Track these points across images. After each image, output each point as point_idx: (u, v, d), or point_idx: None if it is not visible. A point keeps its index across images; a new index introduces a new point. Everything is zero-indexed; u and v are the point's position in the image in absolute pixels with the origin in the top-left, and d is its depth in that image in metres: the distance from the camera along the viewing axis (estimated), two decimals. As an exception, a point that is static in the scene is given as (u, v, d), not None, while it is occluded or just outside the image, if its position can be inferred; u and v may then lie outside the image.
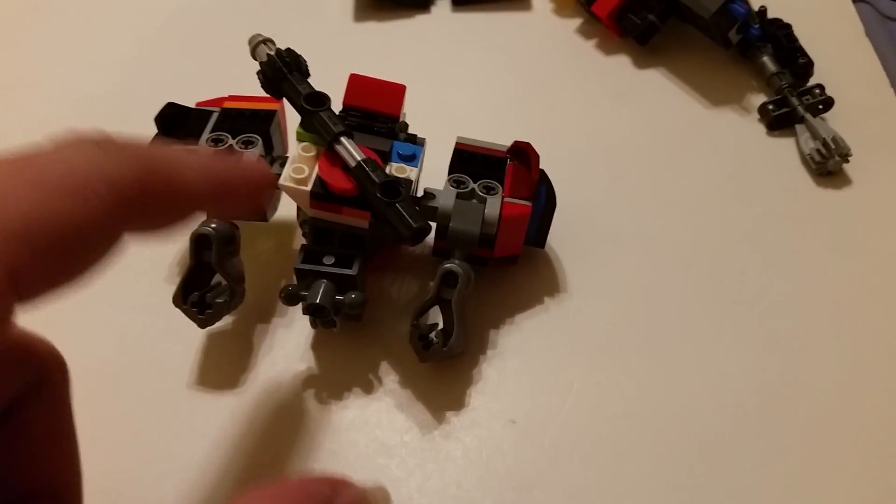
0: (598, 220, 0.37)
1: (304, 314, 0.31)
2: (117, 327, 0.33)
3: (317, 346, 0.33)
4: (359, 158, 0.29)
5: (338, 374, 0.32)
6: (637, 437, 0.30)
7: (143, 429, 0.31)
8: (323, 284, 0.30)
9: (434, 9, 0.48)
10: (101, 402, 0.31)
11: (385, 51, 0.46)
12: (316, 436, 0.30)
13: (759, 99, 0.42)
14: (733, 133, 0.41)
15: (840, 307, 0.34)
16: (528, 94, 0.43)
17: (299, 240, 0.36)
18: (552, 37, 0.46)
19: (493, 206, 0.31)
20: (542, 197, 0.33)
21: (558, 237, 0.35)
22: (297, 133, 0.31)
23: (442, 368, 0.32)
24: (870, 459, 0.30)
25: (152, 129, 0.35)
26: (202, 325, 0.31)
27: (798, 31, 0.43)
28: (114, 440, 0.30)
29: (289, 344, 0.33)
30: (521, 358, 0.32)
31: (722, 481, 0.29)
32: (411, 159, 0.31)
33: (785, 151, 0.40)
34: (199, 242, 0.30)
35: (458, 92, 0.43)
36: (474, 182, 0.32)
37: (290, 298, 0.30)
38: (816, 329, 0.33)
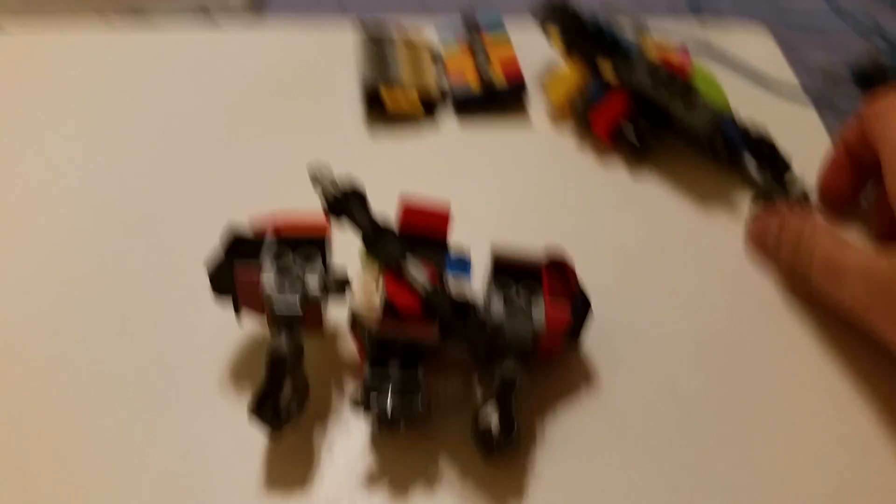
0: (617, 319, 0.40)
1: (371, 420, 0.33)
2: (175, 440, 0.35)
3: (376, 446, 0.35)
4: (426, 281, 0.32)
5: (399, 470, 0.34)
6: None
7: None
8: (391, 391, 0.32)
9: (439, 118, 0.52)
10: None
11: (398, 163, 0.49)
12: (386, 532, 0.32)
13: (745, 200, 0.47)
14: (726, 232, 0.46)
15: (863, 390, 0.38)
16: (533, 205, 0.47)
17: (344, 340, 0.38)
18: (552, 148, 0.51)
19: (537, 310, 0.34)
20: (578, 299, 0.36)
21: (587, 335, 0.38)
22: (363, 259, 0.34)
23: (497, 461, 0.34)
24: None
25: (177, 239, 0.37)
26: (277, 428, 0.33)
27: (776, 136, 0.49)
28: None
29: (348, 445, 0.35)
30: (568, 449, 0.35)
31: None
32: (465, 268, 0.34)
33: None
34: (276, 361, 0.32)
35: (468, 201, 0.46)
36: (515, 285, 0.35)
37: (361, 405, 0.32)
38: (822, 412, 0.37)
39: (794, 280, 0.42)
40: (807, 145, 0.51)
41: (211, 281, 0.35)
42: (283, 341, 0.32)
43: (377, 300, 0.33)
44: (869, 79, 0.55)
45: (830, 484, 0.34)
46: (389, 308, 0.32)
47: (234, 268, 0.34)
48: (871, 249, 0.37)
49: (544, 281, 0.36)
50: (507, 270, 0.36)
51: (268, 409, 0.32)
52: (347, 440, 0.35)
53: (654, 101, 0.47)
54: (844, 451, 0.36)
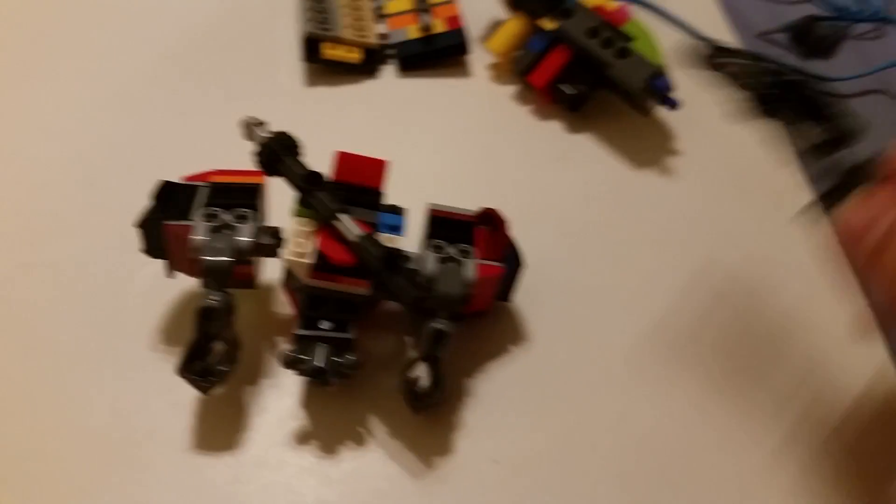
0: (550, 273, 0.41)
1: (302, 376, 0.33)
2: (108, 398, 0.35)
3: (307, 403, 0.35)
4: (358, 234, 0.32)
5: (330, 428, 0.34)
6: (598, 466, 0.34)
7: (144, 496, 0.32)
8: (323, 348, 0.32)
9: (380, 74, 0.52)
10: (99, 472, 0.32)
11: (337, 115, 0.49)
12: (316, 489, 0.33)
13: (672, 157, 0.48)
14: (658, 187, 0.46)
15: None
16: (471, 157, 0.47)
17: (277, 301, 0.38)
18: (492, 102, 0.51)
19: (469, 269, 0.35)
20: (510, 257, 0.36)
21: (518, 290, 0.39)
22: (296, 210, 0.34)
23: (427, 417, 0.35)
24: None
25: (114, 196, 0.37)
26: (206, 391, 0.33)
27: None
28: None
29: (280, 403, 0.35)
30: (496, 403, 0.36)
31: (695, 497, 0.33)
32: (397, 229, 0.34)
33: (703, 204, 0.46)
34: (206, 315, 0.32)
35: (407, 154, 0.46)
36: (448, 245, 0.35)
37: (291, 363, 0.32)
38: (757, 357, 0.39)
39: None
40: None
41: (141, 236, 0.35)
42: (212, 294, 0.32)
43: (309, 253, 0.33)
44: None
45: (776, 433, 0.36)
46: (321, 260, 0.32)
47: (164, 221, 0.34)
48: None
49: (477, 238, 0.36)
50: (442, 228, 0.36)
51: (196, 368, 0.32)
52: (279, 398, 0.35)
53: (592, 55, 0.46)
54: (772, 396, 0.37)
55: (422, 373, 0.34)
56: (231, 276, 0.33)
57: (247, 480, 0.32)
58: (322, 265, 0.32)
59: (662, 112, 0.49)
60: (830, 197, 0.33)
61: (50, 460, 0.33)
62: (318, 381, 0.33)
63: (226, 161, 0.36)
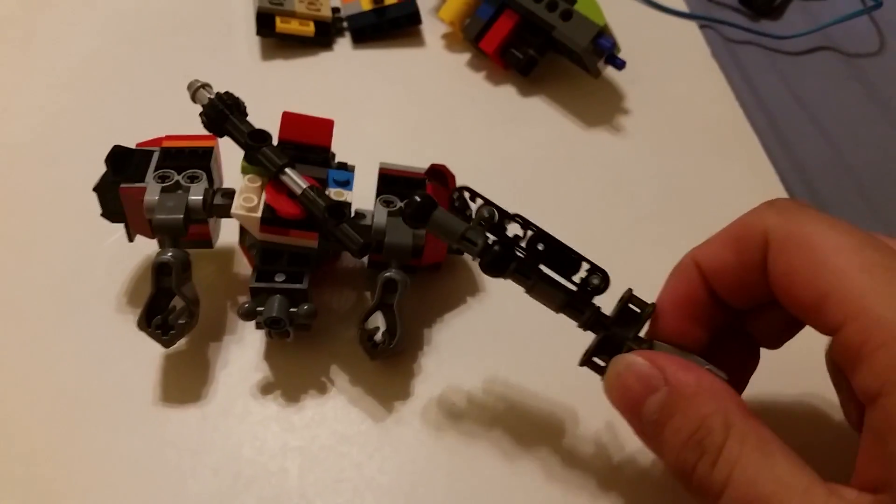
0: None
1: (258, 328, 0.34)
2: (75, 356, 0.36)
3: (269, 357, 0.36)
4: (304, 186, 0.33)
5: (292, 379, 0.36)
6: (549, 407, 0.36)
7: (112, 448, 0.33)
8: (277, 299, 0.34)
9: (336, 47, 0.53)
10: (68, 429, 0.34)
11: (293, 87, 0.50)
12: (280, 435, 0.34)
13: (622, 115, 0.49)
14: (606, 147, 0.48)
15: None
16: (427, 122, 0.49)
17: (239, 263, 0.40)
18: (446, 70, 0.52)
19: None
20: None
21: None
22: (243, 167, 0.35)
23: (386, 366, 0.36)
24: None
25: (78, 172, 0.38)
26: (166, 345, 0.34)
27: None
28: (83, 464, 0.33)
29: (243, 358, 0.36)
30: (453, 350, 0.37)
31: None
32: (346, 184, 0.36)
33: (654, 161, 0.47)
34: (160, 270, 0.33)
35: (364, 122, 0.48)
36: (399, 200, 0.37)
37: (248, 314, 0.33)
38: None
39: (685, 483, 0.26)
40: (688, 63, 0.54)
41: (100, 201, 0.36)
42: (167, 251, 0.33)
43: (258, 207, 0.34)
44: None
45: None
46: (270, 214, 0.33)
47: (120, 185, 0.35)
48: (824, 489, 0.24)
49: (427, 192, 0.37)
50: (394, 185, 0.38)
51: (157, 322, 0.33)
52: (242, 352, 0.36)
53: (537, 18, 0.48)
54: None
55: (379, 322, 0.35)
56: (185, 234, 0.34)
57: (213, 429, 0.34)
58: (271, 219, 0.33)
59: (612, 73, 0.51)
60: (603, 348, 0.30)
61: (20, 421, 0.34)
62: (277, 333, 0.34)
63: (183, 132, 0.37)
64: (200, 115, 0.35)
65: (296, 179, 0.33)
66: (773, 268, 0.26)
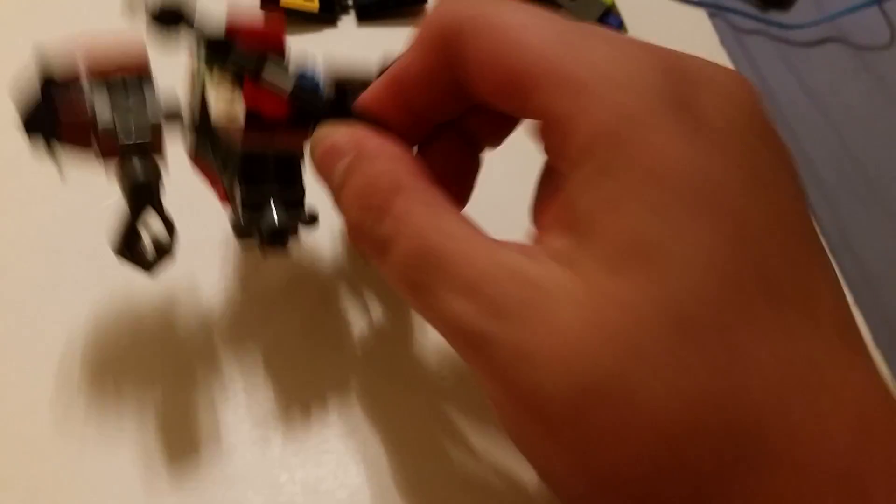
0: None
1: (262, 243, 0.31)
2: (60, 298, 0.36)
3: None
4: (293, 80, 0.29)
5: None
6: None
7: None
8: (276, 208, 0.30)
9: (340, 24, 0.52)
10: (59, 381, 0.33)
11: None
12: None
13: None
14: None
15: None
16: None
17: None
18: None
19: None
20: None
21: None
22: (202, 75, 0.30)
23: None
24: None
25: None
26: (150, 268, 0.31)
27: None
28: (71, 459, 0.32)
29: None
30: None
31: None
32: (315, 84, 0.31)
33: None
34: (141, 192, 0.30)
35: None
36: None
37: (242, 232, 0.31)
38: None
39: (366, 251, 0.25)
40: (696, 51, 0.53)
41: (25, 126, 0.29)
42: (138, 167, 0.29)
43: (238, 113, 0.29)
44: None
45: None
46: (253, 118, 0.29)
47: (57, 110, 0.28)
48: (502, 244, 0.22)
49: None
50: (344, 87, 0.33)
51: (135, 246, 0.31)
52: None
53: (544, -4, 0.47)
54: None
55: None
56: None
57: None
58: (258, 124, 0.29)
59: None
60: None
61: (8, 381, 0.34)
62: (275, 242, 0.31)
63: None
64: (149, 23, 0.30)
65: (279, 73, 0.29)
66: (469, 62, 0.24)
